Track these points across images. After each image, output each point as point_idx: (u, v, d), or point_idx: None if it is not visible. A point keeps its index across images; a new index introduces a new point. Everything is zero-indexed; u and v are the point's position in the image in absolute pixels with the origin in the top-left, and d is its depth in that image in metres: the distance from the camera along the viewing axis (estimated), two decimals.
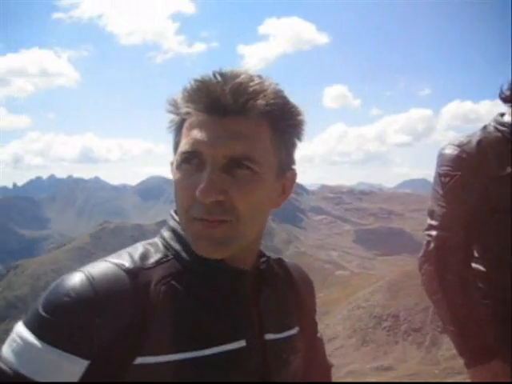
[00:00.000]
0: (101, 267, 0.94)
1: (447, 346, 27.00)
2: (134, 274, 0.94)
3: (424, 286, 1.96)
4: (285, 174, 1.05)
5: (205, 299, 0.98)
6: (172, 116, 1.02)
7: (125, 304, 0.90)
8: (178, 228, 1.04)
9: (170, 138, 1.04)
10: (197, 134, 0.95)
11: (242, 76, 0.96)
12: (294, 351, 1.09)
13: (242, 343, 0.98)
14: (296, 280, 1.19)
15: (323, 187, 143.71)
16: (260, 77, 0.99)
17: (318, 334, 1.27)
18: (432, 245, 1.90)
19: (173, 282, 0.97)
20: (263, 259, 1.10)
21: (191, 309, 0.96)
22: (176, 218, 1.07)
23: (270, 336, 1.03)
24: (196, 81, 0.97)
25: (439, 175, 1.93)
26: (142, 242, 1.06)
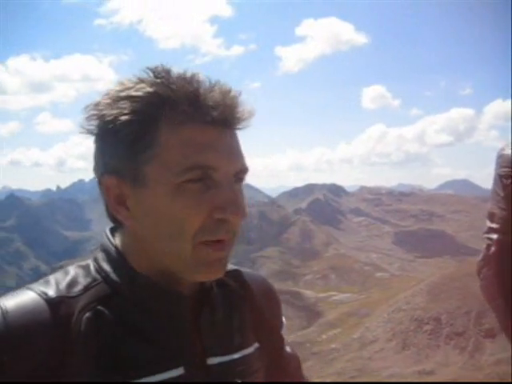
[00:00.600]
0: (20, 298, 0.88)
1: (491, 352, 26.41)
2: (57, 303, 0.87)
3: (482, 290, 1.90)
4: None
5: (135, 324, 0.89)
6: (133, 123, 0.87)
7: (42, 338, 0.83)
8: (110, 247, 0.97)
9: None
10: (210, 147, 0.87)
11: (224, 85, 0.91)
12: (249, 372, 1.01)
13: (180, 371, 0.90)
14: (255, 293, 1.12)
15: (362, 188, 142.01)
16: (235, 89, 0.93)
17: (288, 349, 1.20)
18: (492, 249, 1.84)
19: (99, 308, 0.89)
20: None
21: (119, 336, 0.88)
22: (110, 236, 0.99)
23: (214, 360, 0.95)
24: (178, 81, 0.88)
25: (500, 177, 1.87)
26: (75, 265, 0.98)
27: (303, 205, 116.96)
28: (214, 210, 0.86)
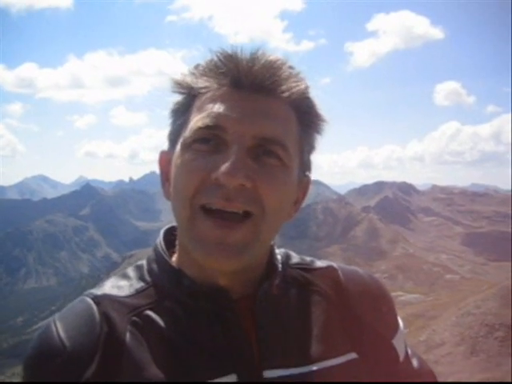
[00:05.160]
0: (71, 304, 0.91)
1: None
2: (102, 302, 0.88)
3: None
4: (302, 180, 0.92)
5: (185, 330, 0.86)
6: (178, 97, 0.90)
7: (92, 345, 0.83)
8: (158, 246, 0.95)
9: None
10: (220, 107, 0.82)
11: (273, 56, 0.86)
12: None
13: (231, 378, 0.83)
14: (352, 295, 0.99)
15: (434, 187, 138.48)
16: (290, 64, 0.88)
17: (415, 363, 1.08)
18: None
19: (147, 312, 0.87)
20: (275, 278, 0.94)
21: (167, 341, 0.85)
22: (161, 233, 0.98)
23: (272, 373, 0.85)
24: (220, 54, 0.86)
25: None
26: (133, 266, 0.98)
27: (372, 202, 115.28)
28: (212, 171, 0.80)
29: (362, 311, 0.98)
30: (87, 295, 0.90)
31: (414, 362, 1.08)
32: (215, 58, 0.86)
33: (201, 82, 0.86)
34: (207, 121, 0.82)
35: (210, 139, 0.82)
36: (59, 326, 0.85)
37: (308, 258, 1.05)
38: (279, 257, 0.99)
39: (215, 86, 0.85)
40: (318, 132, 0.92)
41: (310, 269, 1.01)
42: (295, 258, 1.03)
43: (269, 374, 0.85)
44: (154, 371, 0.82)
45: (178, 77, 0.90)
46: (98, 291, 0.91)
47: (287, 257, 1.02)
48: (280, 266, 0.97)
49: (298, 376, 0.86)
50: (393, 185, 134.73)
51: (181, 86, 0.89)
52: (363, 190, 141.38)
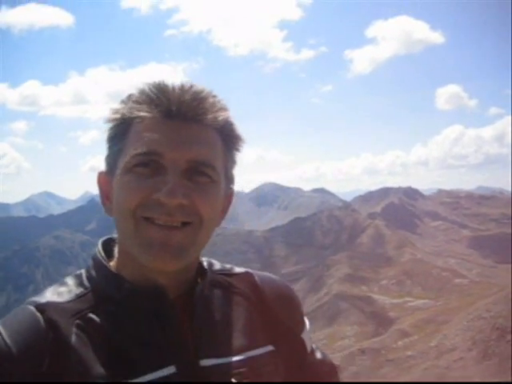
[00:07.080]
0: (14, 312, 0.94)
1: None
2: (46, 308, 0.92)
3: None
4: (227, 192, 1.06)
5: (125, 328, 0.94)
6: (113, 124, 1.00)
7: (35, 342, 0.88)
8: (97, 254, 1.04)
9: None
10: (155, 135, 0.94)
11: (199, 87, 0.99)
12: (256, 373, 1.02)
13: (171, 369, 0.93)
14: (267, 295, 1.14)
15: (440, 192, 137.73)
16: (214, 93, 1.01)
17: (319, 355, 1.24)
18: None
19: (90, 315, 0.94)
20: (207, 277, 1.08)
21: (110, 340, 0.92)
22: (99, 243, 1.07)
23: (208, 362, 0.97)
24: (151, 86, 0.99)
25: None
26: (71, 275, 1.05)
27: (377, 209, 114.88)
28: (153, 192, 0.92)
29: (276, 310, 1.14)
30: (29, 303, 0.95)
31: (318, 354, 1.24)
32: (147, 89, 0.98)
33: (135, 112, 0.97)
34: (144, 148, 0.93)
35: (149, 164, 0.93)
36: (4, 333, 0.88)
37: (228, 265, 1.19)
38: (205, 263, 1.14)
39: (149, 115, 0.96)
40: (238, 150, 1.07)
41: (230, 274, 1.16)
42: (217, 265, 1.17)
43: (204, 362, 0.97)
44: (99, 369, 0.88)
45: (114, 106, 1.01)
46: (39, 299, 0.96)
47: (210, 264, 1.16)
48: (207, 270, 1.11)
49: (228, 364, 0.99)
50: (398, 190, 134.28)
51: (117, 115, 0.99)
52: (368, 197, 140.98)
